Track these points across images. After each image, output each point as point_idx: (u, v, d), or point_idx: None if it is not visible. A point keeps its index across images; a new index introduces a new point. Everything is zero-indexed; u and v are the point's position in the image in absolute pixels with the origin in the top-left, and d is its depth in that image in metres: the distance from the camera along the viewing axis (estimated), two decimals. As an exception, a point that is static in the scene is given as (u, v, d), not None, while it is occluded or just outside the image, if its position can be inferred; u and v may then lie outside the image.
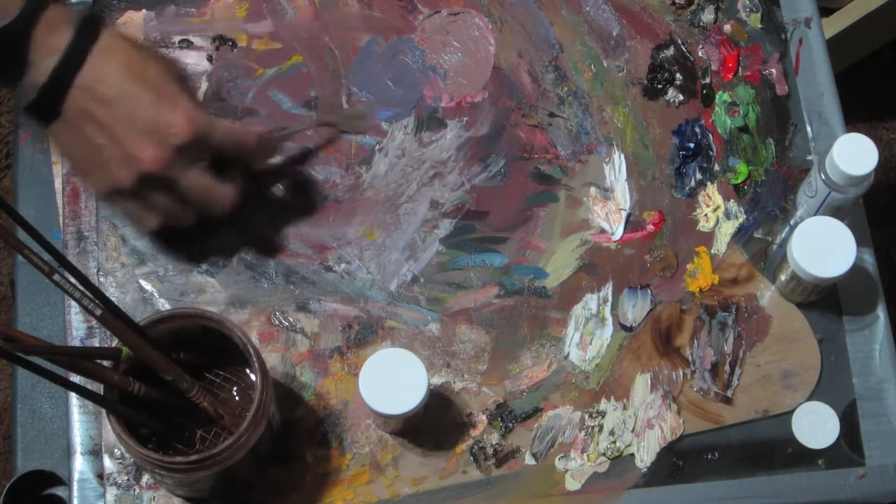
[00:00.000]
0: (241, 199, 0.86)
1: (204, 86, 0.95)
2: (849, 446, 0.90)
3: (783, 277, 0.91)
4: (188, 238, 0.90)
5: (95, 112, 0.80)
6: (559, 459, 0.88)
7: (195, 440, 0.80)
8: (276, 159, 0.93)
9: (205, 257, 0.91)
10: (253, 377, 0.78)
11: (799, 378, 0.91)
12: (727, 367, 0.91)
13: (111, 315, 0.74)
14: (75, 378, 0.73)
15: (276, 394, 0.85)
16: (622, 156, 0.96)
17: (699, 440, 0.89)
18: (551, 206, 0.94)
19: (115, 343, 0.76)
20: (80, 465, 0.86)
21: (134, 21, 0.97)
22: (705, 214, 0.95)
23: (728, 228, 0.94)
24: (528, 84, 0.97)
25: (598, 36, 0.99)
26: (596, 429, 0.89)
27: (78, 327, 0.89)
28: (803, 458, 0.89)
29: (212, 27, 0.97)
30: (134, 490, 0.85)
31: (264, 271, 0.91)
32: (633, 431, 0.89)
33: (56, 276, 0.70)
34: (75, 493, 0.85)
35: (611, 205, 0.94)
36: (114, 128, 0.80)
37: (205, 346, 0.80)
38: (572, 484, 0.87)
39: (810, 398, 0.90)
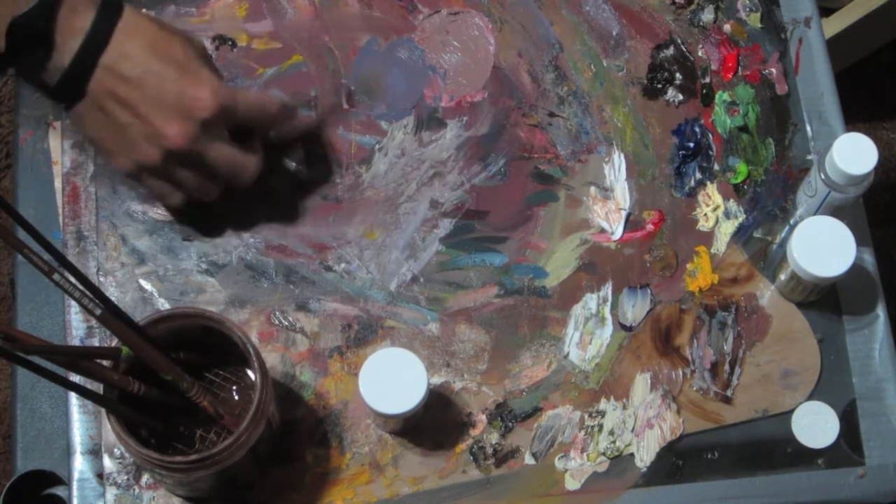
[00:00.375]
0: (262, 170, 0.87)
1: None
2: (849, 446, 0.90)
3: (783, 277, 0.91)
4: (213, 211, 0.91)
5: (120, 91, 0.81)
6: (559, 459, 0.88)
7: (195, 440, 0.80)
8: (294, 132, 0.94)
9: (223, 231, 0.92)
10: (253, 377, 0.78)
11: (799, 378, 0.91)
12: (727, 367, 0.91)
13: (111, 315, 0.74)
14: (75, 378, 0.73)
15: (276, 393, 0.85)
16: (622, 155, 0.96)
17: (699, 440, 0.89)
18: (551, 205, 0.94)
19: (115, 342, 0.76)
20: (79, 464, 0.86)
21: (134, 21, 0.97)
22: (705, 214, 0.95)
23: (728, 228, 0.94)
24: (528, 84, 0.97)
25: (598, 36, 0.99)
26: (596, 428, 0.89)
27: (78, 327, 0.89)
28: (803, 457, 0.89)
29: (212, 27, 0.97)
30: (134, 490, 0.85)
31: (264, 271, 0.91)
32: (632, 431, 0.89)
33: (56, 276, 0.70)
34: (75, 492, 0.85)
35: (611, 204, 0.94)
36: (139, 106, 0.81)
37: (205, 345, 0.80)
38: (572, 483, 0.87)
39: (810, 398, 0.90)
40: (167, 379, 0.76)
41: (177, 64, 0.81)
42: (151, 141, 0.82)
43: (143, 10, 0.96)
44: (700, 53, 0.99)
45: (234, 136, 0.86)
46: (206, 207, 0.89)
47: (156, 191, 0.87)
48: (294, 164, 0.94)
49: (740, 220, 0.95)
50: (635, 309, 0.92)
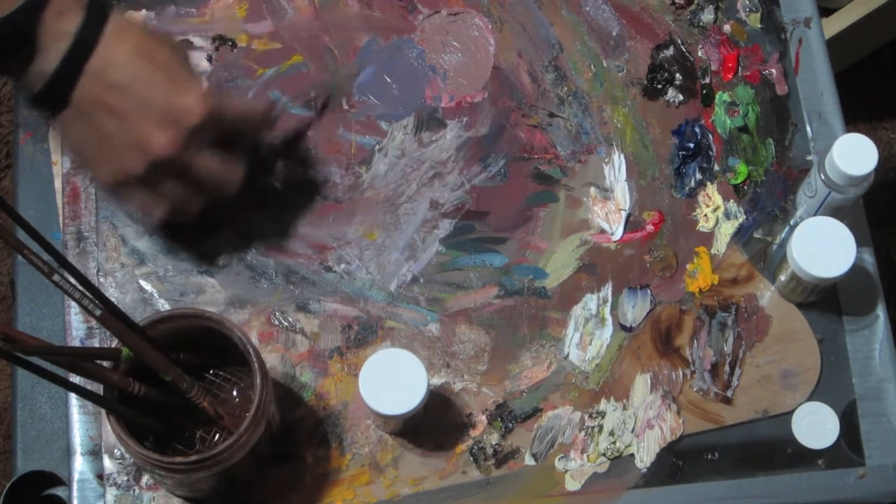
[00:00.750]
0: (245, 183, 0.85)
1: (204, 86, 0.95)
2: (849, 446, 0.90)
3: (783, 277, 0.91)
4: (193, 235, 0.90)
5: (106, 98, 0.79)
6: (559, 460, 0.88)
7: (195, 440, 0.80)
8: (275, 139, 0.93)
9: (210, 257, 0.91)
10: (253, 378, 0.78)
11: (799, 378, 0.91)
12: (727, 368, 0.91)
13: (111, 315, 0.74)
14: (75, 378, 0.73)
15: (276, 394, 0.85)
16: (622, 156, 0.96)
17: (699, 440, 0.89)
18: (551, 206, 0.94)
19: (115, 343, 0.76)
20: (80, 465, 0.86)
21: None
22: (705, 214, 0.95)
23: (728, 228, 0.94)
24: (528, 84, 0.97)
25: (598, 36, 0.99)
26: (596, 429, 0.89)
27: (78, 327, 0.89)
28: (803, 458, 0.89)
29: (212, 27, 0.97)
30: (134, 490, 0.85)
31: (264, 271, 0.91)
32: (632, 432, 0.89)
33: (56, 277, 0.70)
34: (75, 493, 0.85)
35: (610, 205, 0.94)
36: (125, 113, 0.79)
37: (205, 346, 0.80)
38: (572, 484, 0.87)
39: (810, 398, 0.90)
40: (167, 380, 0.76)
41: (165, 70, 0.80)
42: (137, 150, 0.79)
43: (143, 10, 0.97)
44: (700, 54, 0.99)
45: (218, 145, 0.83)
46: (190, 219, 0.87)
47: (138, 204, 0.84)
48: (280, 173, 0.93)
49: (740, 220, 0.95)
50: (635, 309, 0.92)
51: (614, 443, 0.88)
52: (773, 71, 0.99)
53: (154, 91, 0.79)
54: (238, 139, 0.86)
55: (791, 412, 0.90)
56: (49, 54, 0.78)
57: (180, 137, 0.80)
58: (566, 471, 0.88)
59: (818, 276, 0.87)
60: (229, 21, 0.97)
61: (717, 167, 0.96)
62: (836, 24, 1.51)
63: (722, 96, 0.98)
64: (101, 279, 0.90)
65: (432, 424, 0.88)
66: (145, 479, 0.85)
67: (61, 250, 0.85)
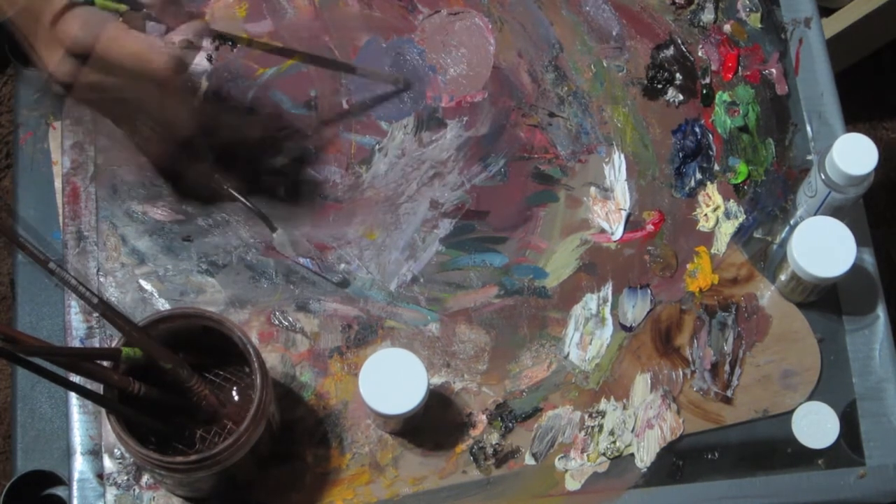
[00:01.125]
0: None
1: (204, 85, 0.95)
2: (849, 446, 0.90)
3: (783, 277, 0.91)
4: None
5: (103, 102, 0.81)
6: (559, 459, 0.88)
7: (195, 440, 0.80)
8: (279, 160, 0.93)
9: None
10: (253, 377, 0.78)
11: (799, 378, 0.91)
12: (727, 367, 0.91)
13: (110, 313, 0.74)
14: (75, 378, 0.73)
15: (276, 394, 0.85)
16: (622, 156, 0.96)
17: (699, 440, 0.89)
18: (551, 205, 0.94)
19: (114, 343, 0.76)
20: (80, 465, 0.86)
21: (134, 21, 0.97)
22: (705, 214, 0.95)
23: (728, 228, 0.94)
24: (528, 84, 0.97)
25: (598, 36, 0.99)
26: (596, 429, 0.89)
27: (78, 327, 0.89)
28: (803, 458, 0.89)
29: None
30: (134, 490, 0.85)
31: (264, 271, 0.91)
32: (632, 431, 0.89)
33: (52, 265, 0.69)
34: (75, 493, 0.85)
35: (611, 205, 0.94)
36: (122, 119, 0.82)
37: (205, 346, 0.80)
38: (572, 484, 0.87)
39: (810, 398, 0.90)
40: (167, 368, 0.76)
41: (159, 80, 0.80)
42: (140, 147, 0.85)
43: (144, 10, 0.97)
44: (700, 53, 0.99)
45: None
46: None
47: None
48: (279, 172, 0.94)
49: (740, 220, 0.95)
50: (635, 309, 0.92)
51: (614, 442, 0.88)
52: (773, 71, 0.99)
53: (147, 101, 0.82)
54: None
55: (791, 412, 0.90)
56: (46, 58, 0.78)
57: (171, 147, 0.84)
58: (566, 470, 0.88)
59: (818, 276, 0.87)
60: (229, 21, 0.97)
61: (717, 167, 0.96)
62: (836, 24, 1.51)
63: (722, 96, 0.98)
64: (102, 279, 0.90)
65: (432, 424, 0.88)
66: (145, 478, 0.85)
67: (61, 250, 0.85)
